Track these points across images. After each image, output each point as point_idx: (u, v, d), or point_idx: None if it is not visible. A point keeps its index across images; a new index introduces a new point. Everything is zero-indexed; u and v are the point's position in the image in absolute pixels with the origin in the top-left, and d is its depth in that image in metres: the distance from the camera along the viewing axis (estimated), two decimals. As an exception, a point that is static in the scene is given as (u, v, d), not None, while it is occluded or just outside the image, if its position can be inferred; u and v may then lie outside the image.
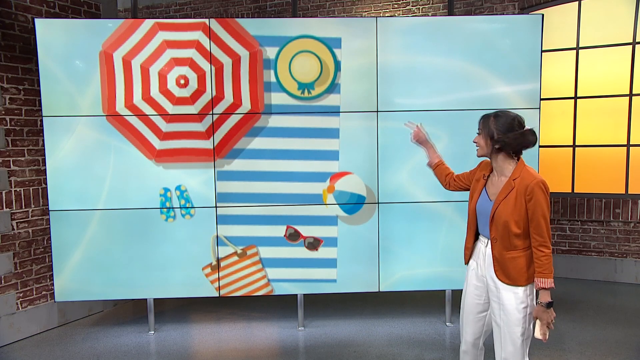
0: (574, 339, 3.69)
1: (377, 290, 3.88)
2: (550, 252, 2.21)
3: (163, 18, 5.00)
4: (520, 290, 2.25)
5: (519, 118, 2.28)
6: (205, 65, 3.65)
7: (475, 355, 2.50)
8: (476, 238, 2.45)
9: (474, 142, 2.36)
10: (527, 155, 3.74)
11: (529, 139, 2.25)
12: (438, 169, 2.70)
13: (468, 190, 2.54)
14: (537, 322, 2.24)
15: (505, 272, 2.26)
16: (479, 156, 2.37)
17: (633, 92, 5.04)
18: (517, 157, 2.30)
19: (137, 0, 4.56)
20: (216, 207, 3.77)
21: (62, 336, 3.91)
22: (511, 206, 2.22)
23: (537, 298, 2.27)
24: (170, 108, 3.66)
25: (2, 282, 3.74)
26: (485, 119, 2.32)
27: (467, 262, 2.49)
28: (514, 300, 2.24)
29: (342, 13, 6.25)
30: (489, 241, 2.33)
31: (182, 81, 3.64)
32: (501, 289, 2.27)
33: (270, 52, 3.67)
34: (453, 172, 2.67)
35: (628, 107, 5.07)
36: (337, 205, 3.80)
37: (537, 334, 2.24)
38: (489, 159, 2.38)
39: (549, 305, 2.18)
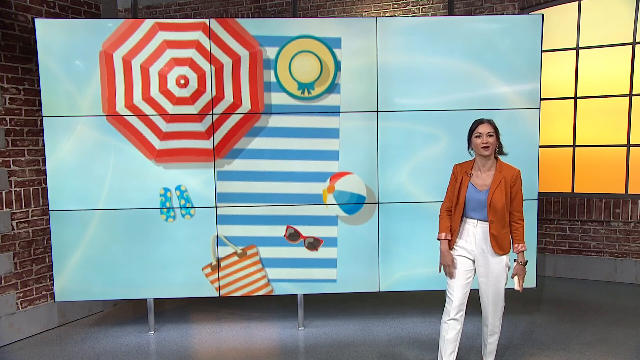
0: (574, 339, 3.69)
1: (377, 290, 3.88)
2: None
3: (163, 18, 5.00)
4: (505, 257, 2.88)
5: None
6: (205, 65, 3.65)
7: (460, 323, 2.93)
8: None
9: (490, 144, 2.80)
10: (527, 156, 3.77)
11: None
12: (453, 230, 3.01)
13: None
14: (516, 277, 2.87)
15: (500, 245, 2.86)
16: (487, 155, 2.83)
17: (633, 92, 5.04)
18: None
19: (137, 0, 4.56)
20: (216, 207, 3.77)
21: (62, 336, 3.92)
22: (503, 192, 2.83)
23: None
24: (170, 108, 3.66)
25: (2, 282, 3.74)
26: (492, 123, 2.85)
27: (452, 246, 2.95)
28: (501, 265, 2.88)
29: (342, 13, 6.25)
30: (479, 222, 2.88)
31: (182, 81, 3.64)
32: (491, 258, 2.87)
33: (270, 52, 3.67)
34: (447, 213, 3.02)
35: (628, 107, 5.07)
36: (337, 205, 3.80)
37: (517, 287, 2.87)
38: (461, 162, 2.99)
39: (526, 263, 2.90)
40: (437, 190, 3.77)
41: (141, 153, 3.70)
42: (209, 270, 3.82)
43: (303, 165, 3.76)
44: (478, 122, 2.87)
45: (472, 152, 2.94)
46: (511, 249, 2.91)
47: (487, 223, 2.86)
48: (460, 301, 2.91)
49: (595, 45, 5.17)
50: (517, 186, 2.87)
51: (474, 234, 2.91)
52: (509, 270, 2.92)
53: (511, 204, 2.87)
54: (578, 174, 5.31)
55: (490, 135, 2.81)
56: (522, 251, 2.90)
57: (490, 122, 2.86)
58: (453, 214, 2.95)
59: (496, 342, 3.05)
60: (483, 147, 2.82)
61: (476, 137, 2.84)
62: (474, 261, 2.93)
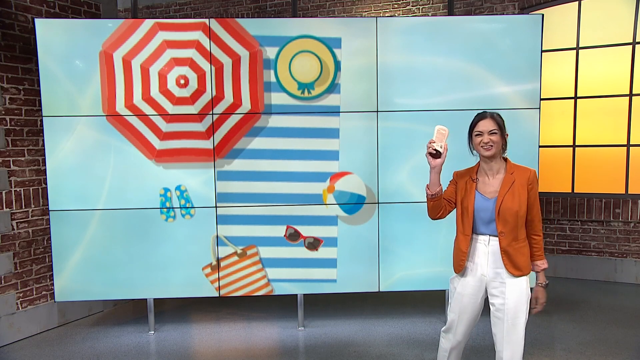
0: (574, 339, 3.69)
1: (377, 290, 3.88)
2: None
3: (163, 18, 5.00)
4: (523, 280, 2.37)
5: None
6: (205, 65, 3.65)
7: (460, 350, 2.60)
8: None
9: (492, 142, 2.34)
10: (527, 155, 3.77)
11: None
12: (438, 201, 2.46)
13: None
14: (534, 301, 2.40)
15: (514, 264, 2.35)
16: (490, 156, 2.37)
17: (633, 92, 5.04)
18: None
19: (137, 0, 4.56)
20: (216, 207, 3.77)
21: (62, 336, 3.91)
22: (516, 198, 2.34)
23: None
24: (170, 108, 3.66)
25: (2, 282, 3.74)
26: (496, 118, 2.39)
27: (462, 268, 2.45)
28: (519, 292, 2.35)
29: (342, 13, 6.25)
30: (491, 238, 2.38)
31: (182, 81, 3.64)
32: (507, 283, 2.35)
33: (270, 52, 3.67)
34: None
35: (628, 107, 5.07)
36: (337, 205, 3.80)
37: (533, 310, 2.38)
38: (462, 168, 2.53)
39: (547, 285, 2.43)
40: (437, 190, 3.78)
41: (141, 153, 3.70)
42: (209, 270, 3.82)
43: (303, 165, 3.76)
44: (479, 117, 2.40)
45: (474, 152, 2.46)
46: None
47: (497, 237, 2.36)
48: (466, 334, 2.52)
49: (595, 45, 5.17)
50: (535, 189, 2.38)
51: (486, 254, 2.39)
52: (529, 299, 2.38)
53: (530, 212, 2.37)
54: (578, 174, 5.31)
55: (493, 133, 2.34)
56: (544, 269, 2.42)
57: (494, 117, 2.37)
58: (461, 232, 2.45)
59: None
60: (483, 147, 2.36)
61: (476, 135, 2.38)
62: (486, 291, 2.44)
